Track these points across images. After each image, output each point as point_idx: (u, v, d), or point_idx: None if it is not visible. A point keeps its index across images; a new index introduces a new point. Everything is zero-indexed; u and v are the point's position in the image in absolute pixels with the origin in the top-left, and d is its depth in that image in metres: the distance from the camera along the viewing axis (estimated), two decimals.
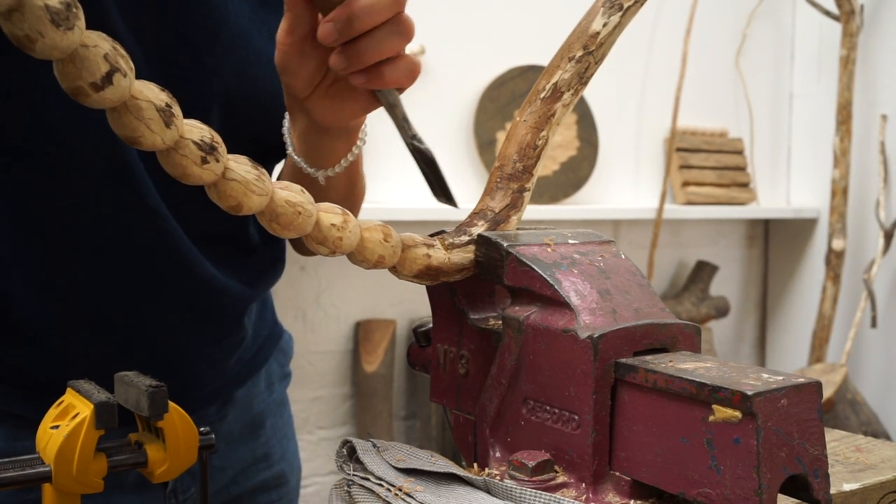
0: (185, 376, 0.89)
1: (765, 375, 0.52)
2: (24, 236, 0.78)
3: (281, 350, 1.08)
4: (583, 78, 0.71)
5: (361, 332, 2.23)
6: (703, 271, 2.74)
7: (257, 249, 0.95)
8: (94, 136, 0.75)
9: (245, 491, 0.99)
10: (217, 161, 0.53)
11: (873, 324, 2.57)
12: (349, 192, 0.90)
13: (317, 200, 0.83)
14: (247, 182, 0.54)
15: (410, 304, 2.33)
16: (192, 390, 0.91)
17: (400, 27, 0.64)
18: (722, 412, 0.49)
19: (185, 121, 0.52)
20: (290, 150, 0.80)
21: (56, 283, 0.80)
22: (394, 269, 0.63)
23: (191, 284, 0.85)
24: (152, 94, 0.50)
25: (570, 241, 0.65)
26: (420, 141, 0.69)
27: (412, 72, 0.67)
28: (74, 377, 0.79)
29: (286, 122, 0.80)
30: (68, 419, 0.60)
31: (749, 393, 0.48)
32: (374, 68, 0.66)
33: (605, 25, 0.71)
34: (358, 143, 0.81)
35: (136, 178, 0.78)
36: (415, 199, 2.24)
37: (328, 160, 0.80)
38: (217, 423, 0.96)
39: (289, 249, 1.02)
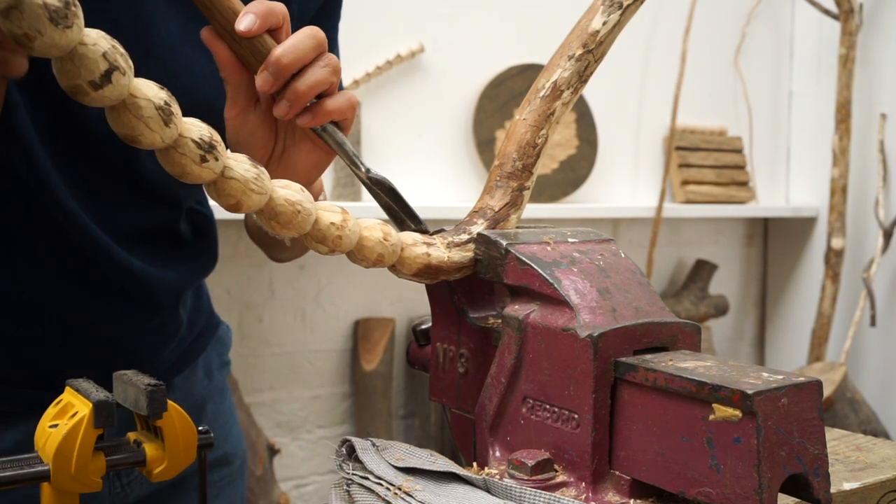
0: (126, 363, 0.89)
1: (765, 374, 0.52)
2: None
3: (219, 340, 1.12)
4: (582, 76, 0.71)
5: (360, 331, 2.23)
6: (703, 270, 2.74)
7: (187, 243, 0.98)
8: (12, 145, 0.80)
9: (188, 472, 0.99)
10: (216, 159, 0.53)
11: (872, 322, 2.57)
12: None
13: (280, 256, 0.85)
14: (246, 180, 0.54)
15: (409, 303, 2.32)
16: None
17: (327, 63, 0.71)
18: (722, 411, 0.49)
19: (185, 119, 0.52)
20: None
21: (7, 283, 0.85)
22: (393, 268, 0.63)
23: (120, 277, 0.88)
24: (151, 92, 0.50)
25: (570, 240, 0.65)
26: (375, 173, 0.73)
27: (350, 101, 0.73)
28: (21, 364, 0.85)
29: None
30: (67, 418, 0.60)
31: (749, 392, 0.48)
32: (316, 105, 0.71)
33: (604, 24, 0.71)
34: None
35: (52, 186, 0.82)
36: (414, 198, 2.24)
37: None
38: None
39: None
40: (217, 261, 1.06)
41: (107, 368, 0.87)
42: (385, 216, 0.74)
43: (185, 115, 0.72)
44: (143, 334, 0.95)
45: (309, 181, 0.79)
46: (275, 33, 0.71)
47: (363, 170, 0.73)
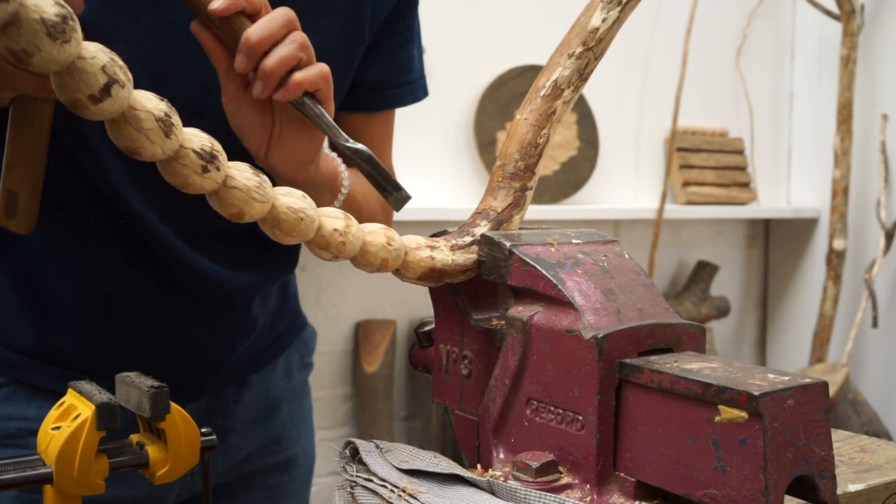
0: (200, 361, 0.97)
1: (771, 376, 0.51)
2: (58, 243, 0.89)
3: (303, 341, 1.14)
4: (583, 74, 0.71)
5: (362, 333, 2.23)
6: (704, 271, 2.74)
7: (268, 245, 0.99)
8: (80, 147, 0.85)
9: (257, 469, 1.05)
10: (218, 169, 0.53)
11: (874, 324, 2.57)
12: None
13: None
14: (248, 189, 0.54)
15: (411, 305, 2.32)
16: (208, 374, 0.99)
17: (294, 39, 0.74)
18: (728, 413, 0.49)
19: (185, 129, 0.52)
20: None
21: (86, 278, 0.91)
22: (397, 272, 0.62)
23: (190, 277, 0.92)
24: (151, 104, 0.49)
25: (574, 241, 0.65)
26: (353, 143, 0.76)
27: (321, 72, 0.75)
28: (106, 360, 0.87)
29: None
30: (69, 420, 0.60)
31: (755, 393, 0.48)
32: (287, 78, 0.74)
33: (604, 21, 0.71)
34: (339, 196, 0.90)
35: (118, 187, 0.87)
36: (414, 200, 2.24)
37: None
38: (234, 405, 1.03)
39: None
40: (296, 264, 1.07)
41: (180, 363, 0.93)
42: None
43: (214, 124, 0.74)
44: (215, 332, 0.97)
45: (308, 158, 0.81)
46: (254, 19, 0.74)
47: (342, 140, 0.75)
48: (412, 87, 1.05)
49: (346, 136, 0.76)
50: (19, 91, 0.74)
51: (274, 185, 0.84)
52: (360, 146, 0.76)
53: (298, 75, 0.74)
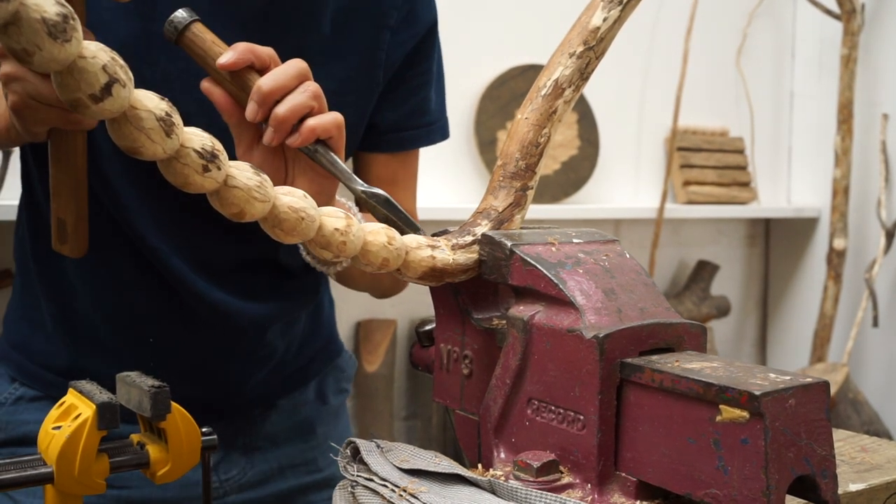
0: (219, 385, 1.01)
1: (772, 375, 0.51)
2: (87, 272, 0.94)
3: (338, 367, 1.16)
4: (584, 73, 0.71)
5: (362, 332, 2.23)
6: (704, 271, 2.74)
7: (291, 275, 1.01)
8: (96, 176, 0.89)
9: (295, 487, 1.08)
10: (219, 169, 0.53)
11: (875, 323, 2.57)
12: (376, 275, 0.98)
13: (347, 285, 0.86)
14: (249, 189, 0.54)
15: (411, 304, 2.32)
16: (229, 397, 1.02)
17: (306, 89, 0.75)
18: (729, 412, 0.49)
19: (186, 129, 0.52)
20: (301, 251, 0.92)
21: (111, 304, 0.95)
22: (398, 272, 0.62)
23: (201, 306, 0.95)
24: (152, 103, 0.49)
25: (575, 241, 0.65)
26: (368, 187, 0.77)
27: (335, 120, 0.77)
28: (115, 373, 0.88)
29: None
30: (70, 420, 0.60)
31: (757, 393, 0.48)
32: (300, 125, 0.75)
33: (605, 20, 0.70)
34: None
35: (131, 216, 0.91)
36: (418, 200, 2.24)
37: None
38: (260, 424, 1.05)
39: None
40: (317, 295, 1.08)
41: (201, 385, 0.96)
42: None
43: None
44: (231, 359, 1.00)
45: (322, 202, 0.82)
46: (263, 73, 0.76)
47: (357, 186, 0.76)
48: (427, 130, 1.06)
49: (361, 181, 0.77)
50: (48, 125, 0.77)
51: None
52: (375, 189, 0.76)
53: (312, 121, 0.75)
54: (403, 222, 0.75)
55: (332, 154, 0.77)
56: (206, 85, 0.76)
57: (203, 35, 0.77)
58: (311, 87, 0.76)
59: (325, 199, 0.82)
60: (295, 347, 1.07)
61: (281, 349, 1.04)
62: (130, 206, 0.90)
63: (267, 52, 0.76)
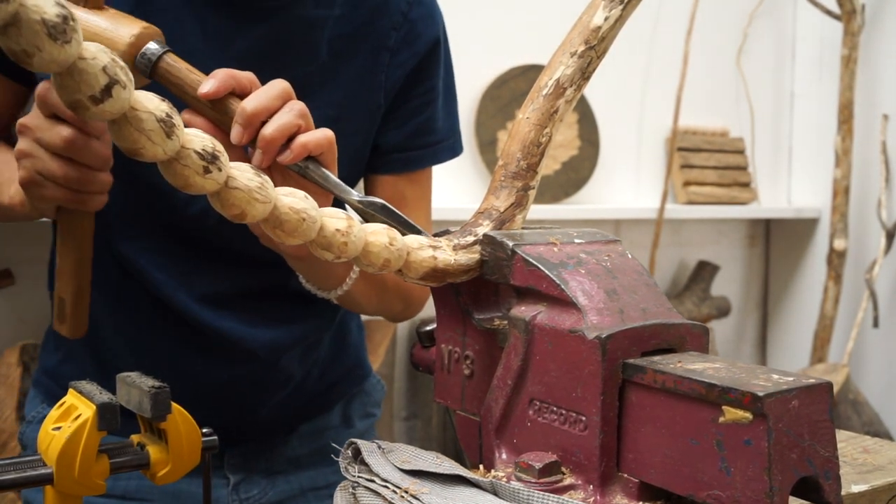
0: (235, 410, 1.01)
1: (775, 376, 0.51)
2: (106, 303, 0.97)
3: (365, 392, 1.15)
4: (585, 73, 0.71)
5: None
6: (705, 271, 2.74)
7: (304, 301, 1.00)
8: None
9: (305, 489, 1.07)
10: (220, 170, 0.53)
11: (875, 324, 2.56)
12: (381, 294, 1.00)
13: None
14: (250, 190, 0.54)
15: None
16: (246, 422, 1.02)
17: (293, 108, 0.73)
18: (732, 413, 0.49)
19: (187, 130, 0.52)
20: (301, 279, 0.91)
21: (128, 334, 0.98)
22: (399, 272, 0.62)
23: (209, 335, 0.95)
24: (153, 104, 0.49)
25: (577, 241, 0.64)
26: (364, 196, 0.74)
27: (326, 136, 0.74)
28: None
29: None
30: (70, 420, 0.59)
31: (760, 394, 0.47)
32: (290, 141, 0.73)
33: (606, 19, 0.70)
34: (352, 275, 0.90)
35: (126, 250, 0.93)
36: None
37: (331, 281, 0.90)
38: (281, 448, 1.05)
39: None
40: (334, 321, 1.07)
41: (217, 411, 0.95)
42: None
43: None
44: (244, 385, 1.00)
45: None
46: (244, 97, 0.74)
47: (352, 197, 0.74)
48: (434, 149, 1.04)
49: (355, 192, 0.74)
50: (55, 202, 0.78)
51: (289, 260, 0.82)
52: (372, 198, 0.73)
53: (303, 138, 0.73)
54: (404, 226, 0.73)
55: (324, 169, 0.75)
56: (185, 116, 0.74)
57: (177, 65, 0.74)
58: (297, 105, 0.74)
59: None
60: (317, 372, 1.06)
61: (299, 374, 1.04)
62: (131, 242, 0.92)
63: (247, 76, 0.75)
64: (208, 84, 0.72)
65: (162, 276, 0.94)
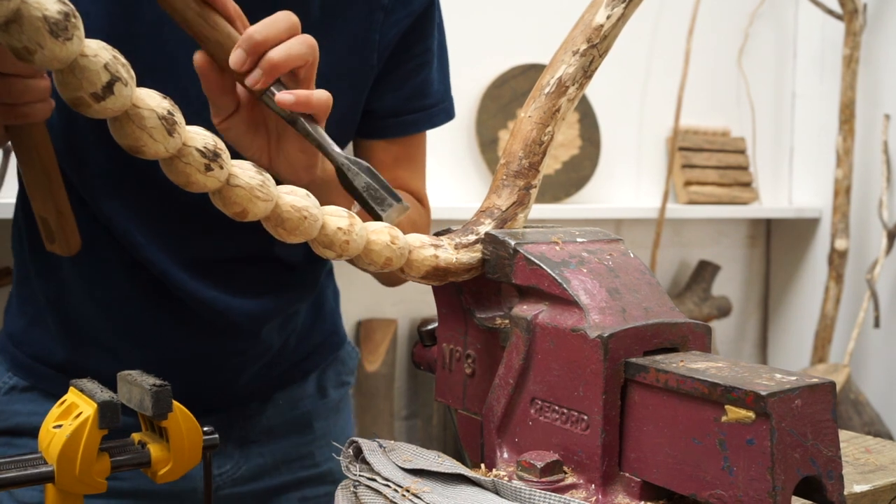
0: (213, 380, 0.99)
1: (778, 375, 0.51)
2: (79, 270, 0.94)
3: (340, 360, 1.13)
4: (587, 71, 0.71)
5: (363, 332, 2.22)
6: (705, 271, 2.74)
7: (290, 269, 0.99)
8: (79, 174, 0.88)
9: (290, 482, 1.06)
10: (221, 168, 0.52)
11: (876, 324, 2.56)
12: None
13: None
14: (251, 188, 0.54)
15: (412, 304, 2.32)
16: (223, 391, 1.00)
17: (305, 40, 0.69)
18: (735, 412, 0.49)
19: (188, 128, 0.52)
20: None
21: (104, 302, 0.94)
22: (401, 271, 0.62)
23: (194, 304, 0.93)
24: (154, 102, 0.49)
25: (579, 240, 0.64)
26: (349, 156, 0.72)
27: (328, 100, 0.71)
28: (107, 370, 0.84)
29: None
30: (71, 418, 0.59)
31: (763, 393, 0.47)
32: (293, 88, 0.70)
33: (608, 18, 0.70)
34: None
35: (116, 216, 0.89)
36: None
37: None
38: (257, 417, 1.03)
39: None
40: (314, 290, 1.05)
41: (195, 381, 0.94)
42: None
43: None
44: (223, 354, 0.98)
45: (311, 163, 0.78)
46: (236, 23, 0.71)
47: (338, 156, 0.71)
48: (429, 113, 1.02)
49: (341, 151, 0.72)
50: None
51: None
52: (358, 159, 0.72)
53: (310, 95, 0.70)
54: (385, 190, 0.71)
55: (315, 124, 0.71)
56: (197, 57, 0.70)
57: None
58: (308, 38, 0.69)
59: (313, 152, 0.77)
60: (294, 341, 1.05)
61: (278, 344, 1.02)
62: (113, 201, 0.88)
63: (235, 7, 0.71)
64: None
65: (143, 240, 0.90)
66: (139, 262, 0.91)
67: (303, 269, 1.00)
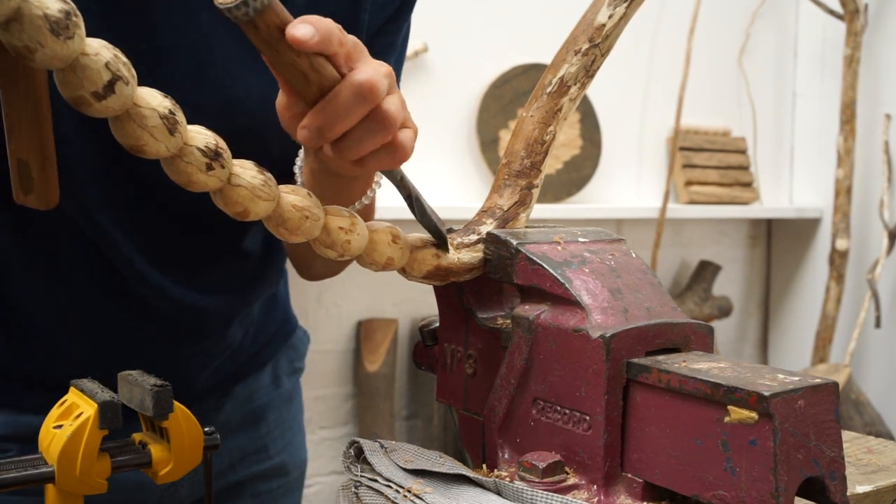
0: (173, 379, 0.93)
1: (780, 376, 0.51)
2: (30, 262, 0.86)
3: (292, 346, 1.10)
4: (589, 71, 0.70)
5: (363, 332, 2.22)
6: (706, 271, 2.74)
7: (252, 260, 0.96)
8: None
9: (245, 478, 1.03)
10: (222, 167, 0.52)
11: (877, 324, 2.56)
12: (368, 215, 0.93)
13: (310, 273, 0.76)
14: (253, 188, 0.53)
15: (412, 304, 2.32)
16: (184, 389, 0.93)
17: (376, 124, 0.59)
18: (738, 413, 0.49)
19: (190, 127, 0.51)
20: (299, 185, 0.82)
21: (58, 300, 0.87)
22: (402, 271, 0.62)
23: (163, 303, 0.88)
24: (155, 101, 0.49)
25: (581, 240, 0.64)
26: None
27: (395, 156, 0.61)
28: (75, 376, 0.81)
29: (298, 160, 0.81)
30: (71, 419, 0.59)
31: (766, 394, 0.47)
32: (361, 159, 0.61)
33: (610, 17, 0.70)
34: (373, 185, 0.80)
35: (91, 209, 0.82)
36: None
37: (341, 202, 0.78)
38: (213, 413, 1.00)
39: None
40: (279, 279, 1.03)
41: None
42: (393, 217, 0.71)
43: (241, 138, 0.66)
44: (189, 355, 0.95)
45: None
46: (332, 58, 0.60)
47: (410, 181, 0.65)
48: None
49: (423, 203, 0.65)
50: None
51: (315, 164, 0.75)
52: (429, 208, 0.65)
53: (373, 163, 0.62)
54: (436, 215, 0.65)
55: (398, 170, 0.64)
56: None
57: (283, 15, 0.56)
58: (384, 117, 0.59)
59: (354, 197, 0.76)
60: (252, 331, 1.02)
61: (239, 337, 1.00)
62: (90, 194, 0.81)
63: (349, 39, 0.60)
64: (306, 30, 0.55)
65: (118, 234, 0.83)
66: (101, 255, 0.85)
67: (266, 261, 0.98)
